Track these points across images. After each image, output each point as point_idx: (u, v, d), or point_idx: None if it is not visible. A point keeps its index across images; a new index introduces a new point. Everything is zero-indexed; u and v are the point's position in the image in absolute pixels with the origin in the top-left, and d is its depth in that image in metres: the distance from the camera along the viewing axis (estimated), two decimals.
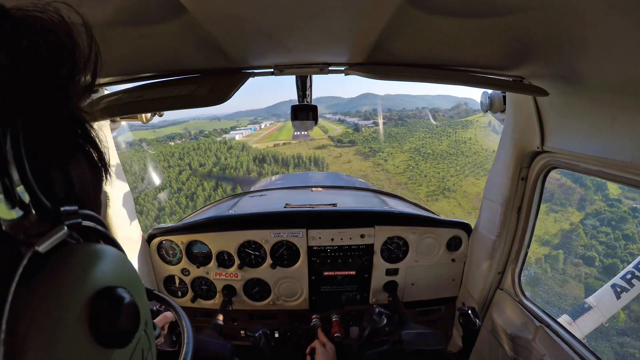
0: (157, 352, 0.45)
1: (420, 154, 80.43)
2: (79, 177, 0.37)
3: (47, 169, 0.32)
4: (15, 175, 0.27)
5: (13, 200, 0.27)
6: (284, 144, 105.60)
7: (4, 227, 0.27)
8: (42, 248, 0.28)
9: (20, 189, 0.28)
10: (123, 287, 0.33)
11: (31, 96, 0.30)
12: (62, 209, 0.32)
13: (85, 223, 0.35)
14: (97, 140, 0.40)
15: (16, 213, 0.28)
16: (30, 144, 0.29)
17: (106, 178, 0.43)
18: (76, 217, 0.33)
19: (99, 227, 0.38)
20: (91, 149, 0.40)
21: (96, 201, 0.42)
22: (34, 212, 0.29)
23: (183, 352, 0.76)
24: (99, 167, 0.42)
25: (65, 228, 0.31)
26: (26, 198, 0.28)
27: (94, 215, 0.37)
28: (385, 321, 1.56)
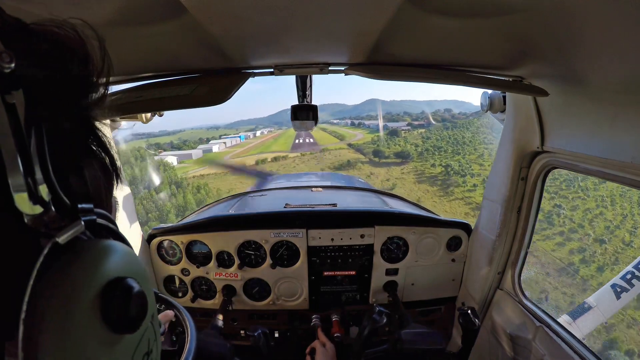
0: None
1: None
2: (92, 179, 0.41)
3: (64, 170, 0.36)
4: (38, 175, 0.31)
5: (35, 198, 0.31)
6: (275, 159, 74.43)
7: (27, 221, 0.30)
8: (61, 239, 0.32)
9: (41, 187, 0.31)
10: (132, 277, 0.37)
11: (50, 104, 0.34)
12: (79, 206, 0.35)
13: (99, 221, 0.38)
14: (108, 145, 0.44)
15: (38, 209, 0.31)
16: (50, 148, 0.32)
17: (117, 182, 0.47)
18: (91, 214, 0.37)
19: (111, 225, 0.41)
20: (104, 154, 0.44)
21: (108, 203, 0.45)
22: (53, 208, 0.32)
23: (186, 350, 0.77)
24: (111, 171, 0.45)
25: (82, 223, 0.35)
26: (46, 196, 0.32)
27: (107, 214, 0.40)
28: (385, 320, 1.56)
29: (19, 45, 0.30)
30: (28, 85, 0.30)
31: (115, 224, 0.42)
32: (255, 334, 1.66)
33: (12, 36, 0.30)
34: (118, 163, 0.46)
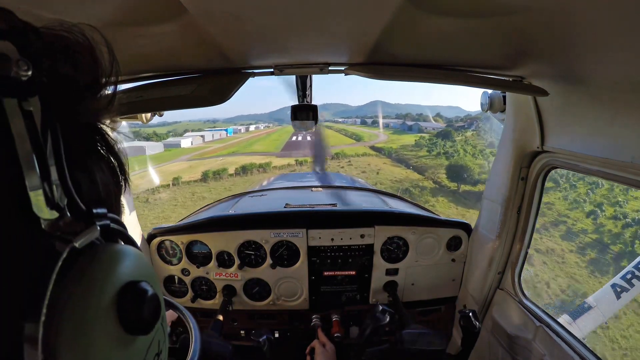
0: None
1: None
2: (103, 182, 0.41)
3: (77, 175, 0.36)
4: (55, 181, 0.32)
5: (52, 203, 0.31)
6: (244, 169, 45.70)
7: (43, 226, 0.31)
8: (78, 244, 0.32)
9: (57, 193, 0.32)
10: (146, 281, 0.37)
11: (63, 109, 0.35)
12: (94, 211, 0.36)
13: (113, 226, 0.38)
14: (117, 149, 0.44)
15: (54, 214, 0.32)
16: (65, 153, 0.33)
17: (126, 186, 0.47)
18: (105, 219, 0.37)
19: (123, 230, 0.41)
20: (112, 158, 0.44)
21: (117, 206, 0.46)
22: (68, 213, 0.33)
23: (191, 351, 0.78)
24: (119, 174, 0.45)
25: (98, 228, 0.35)
26: (62, 202, 0.32)
27: (118, 219, 0.41)
28: (388, 319, 1.55)
29: (32, 51, 0.31)
30: (42, 92, 0.30)
31: (125, 228, 0.42)
32: (260, 340, 1.67)
33: (24, 42, 0.31)
34: (127, 167, 0.47)
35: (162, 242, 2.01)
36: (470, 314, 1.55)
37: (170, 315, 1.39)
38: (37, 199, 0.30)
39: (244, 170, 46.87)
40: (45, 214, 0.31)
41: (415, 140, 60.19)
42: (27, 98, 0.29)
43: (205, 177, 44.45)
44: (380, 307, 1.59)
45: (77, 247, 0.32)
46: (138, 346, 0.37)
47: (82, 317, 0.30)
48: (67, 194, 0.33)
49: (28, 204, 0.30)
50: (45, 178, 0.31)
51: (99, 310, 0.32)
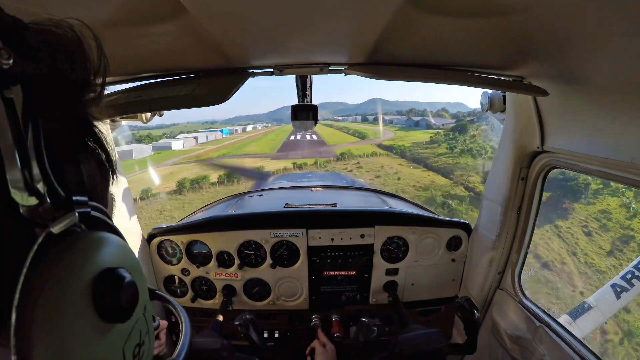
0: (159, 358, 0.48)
1: None
2: (88, 173, 0.41)
3: (60, 164, 0.36)
4: (35, 167, 0.32)
5: (31, 189, 0.31)
6: (229, 177, 38.58)
7: (22, 212, 0.31)
8: (55, 229, 0.32)
9: (37, 180, 0.32)
10: (124, 268, 0.37)
11: (48, 100, 0.35)
12: (73, 198, 0.36)
13: (94, 213, 0.38)
14: (105, 142, 0.45)
15: (33, 200, 0.32)
16: (47, 142, 0.33)
17: (113, 178, 0.47)
18: (86, 206, 0.37)
19: (106, 219, 0.41)
20: (99, 150, 0.44)
21: (104, 197, 0.46)
22: (48, 200, 0.33)
23: (180, 342, 0.77)
24: (107, 166, 0.46)
25: (76, 215, 0.35)
26: (42, 188, 0.32)
27: (102, 207, 0.41)
28: (376, 331, 1.56)
29: (17, 42, 0.31)
30: (26, 82, 0.31)
31: (110, 218, 0.42)
32: (242, 321, 1.66)
33: (10, 34, 0.31)
34: (114, 159, 0.47)
35: (162, 242, 2.01)
36: (465, 302, 1.52)
37: (163, 323, 1.38)
38: (16, 185, 0.30)
39: (229, 178, 38.36)
40: (24, 200, 0.31)
41: (431, 137, 52.52)
42: (9, 86, 0.30)
43: (180, 188, 35.21)
44: (366, 321, 1.59)
45: (54, 233, 0.32)
46: (116, 335, 0.37)
47: (57, 303, 0.30)
48: (46, 181, 0.33)
49: (7, 190, 0.30)
50: (25, 165, 0.31)
51: (74, 296, 0.31)
